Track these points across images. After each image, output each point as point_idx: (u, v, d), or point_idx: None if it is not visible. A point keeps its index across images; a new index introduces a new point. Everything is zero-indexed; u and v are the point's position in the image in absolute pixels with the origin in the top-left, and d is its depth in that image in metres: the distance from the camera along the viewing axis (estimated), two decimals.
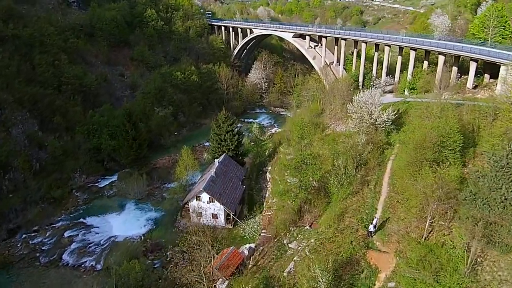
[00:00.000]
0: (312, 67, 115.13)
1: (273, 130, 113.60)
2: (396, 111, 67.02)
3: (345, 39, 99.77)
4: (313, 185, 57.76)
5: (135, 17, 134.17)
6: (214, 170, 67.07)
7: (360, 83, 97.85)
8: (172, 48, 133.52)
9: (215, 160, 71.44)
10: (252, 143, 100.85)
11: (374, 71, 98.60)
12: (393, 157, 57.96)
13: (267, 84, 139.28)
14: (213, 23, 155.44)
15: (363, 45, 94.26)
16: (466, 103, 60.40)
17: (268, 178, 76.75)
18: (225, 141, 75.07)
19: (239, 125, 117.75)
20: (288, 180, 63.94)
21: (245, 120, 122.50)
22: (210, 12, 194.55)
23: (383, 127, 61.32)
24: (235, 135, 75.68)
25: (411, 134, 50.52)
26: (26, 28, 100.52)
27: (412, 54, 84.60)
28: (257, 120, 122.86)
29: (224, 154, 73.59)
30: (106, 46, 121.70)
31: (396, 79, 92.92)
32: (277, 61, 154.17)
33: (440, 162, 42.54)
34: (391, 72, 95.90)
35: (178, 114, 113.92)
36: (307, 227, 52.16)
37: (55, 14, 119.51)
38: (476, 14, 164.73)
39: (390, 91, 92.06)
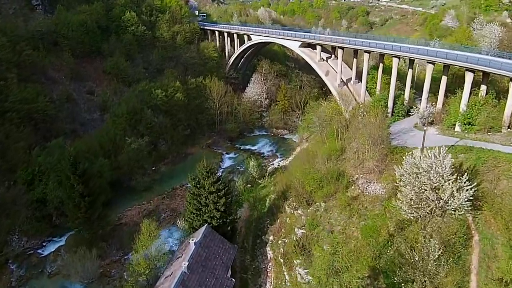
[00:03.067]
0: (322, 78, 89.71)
1: (275, 163, 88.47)
2: (458, 166, 42.41)
3: (369, 52, 74.16)
4: None
5: (112, 21, 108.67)
6: (188, 260, 42.05)
7: (389, 110, 72.38)
8: (155, 58, 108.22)
9: (190, 240, 46.06)
10: (249, 185, 75.60)
11: (406, 94, 73.03)
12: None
13: (268, 100, 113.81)
14: (205, 27, 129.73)
15: (395, 60, 68.76)
16: None
17: (269, 256, 51.95)
18: (206, 206, 50.02)
19: (231, 155, 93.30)
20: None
21: (241, 148, 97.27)
22: (205, 14, 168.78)
23: (459, 214, 35.84)
24: (222, 197, 50.40)
25: None
26: None
27: (469, 76, 59.01)
28: (255, 147, 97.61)
29: (206, 226, 48.61)
30: (73, 57, 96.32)
31: (438, 105, 67.39)
32: (280, 72, 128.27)
33: None
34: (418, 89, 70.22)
35: (159, 142, 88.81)
36: None
37: (14, 20, 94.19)
38: None
39: (430, 122, 66.62)
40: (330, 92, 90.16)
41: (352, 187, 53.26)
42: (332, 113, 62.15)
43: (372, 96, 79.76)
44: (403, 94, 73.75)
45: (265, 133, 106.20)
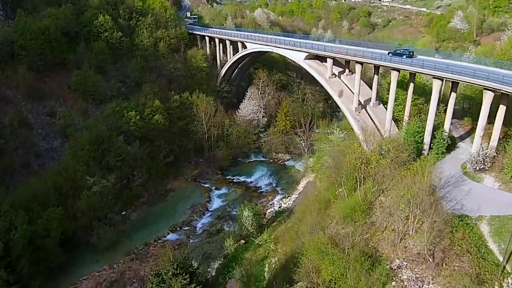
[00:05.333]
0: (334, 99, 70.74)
1: (275, 203, 70.11)
2: None
3: (398, 70, 55.29)
4: None
5: (83, 27, 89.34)
6: None
7: (426, 146, 53.86)
8: (133, 69, 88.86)
9: None
10: (243, 240, 57.13)
11: (447, 124, 54.50)
12: None
13: (266, 118, 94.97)
14: (194, 32, 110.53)
15: (437, 82, 50.00)
16: None
17: None
18: None
19: (222, 191, 74.59)
20: None
21: (234, 180, 78.44)
22: (196, 16, 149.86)
23: None
24: None
25: None
26: None
27: None
28: (251, 179, 78.85)
29: None
30: (31, 71, 77.34)
31: (493, 142, 49.00)
32: (280, 82, 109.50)
33: None
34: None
35: (132, 176, 70.33)
36: None
37: None
38: None
39: (482, 168, 48.28)
40: (338, 108, 71.22)
41: (393, 284, 34.77)
42: (354, 161, 43.45)
43: (399, 126, 61.29)
44: (443, 126, 55.11)
45: (263, 159, 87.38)
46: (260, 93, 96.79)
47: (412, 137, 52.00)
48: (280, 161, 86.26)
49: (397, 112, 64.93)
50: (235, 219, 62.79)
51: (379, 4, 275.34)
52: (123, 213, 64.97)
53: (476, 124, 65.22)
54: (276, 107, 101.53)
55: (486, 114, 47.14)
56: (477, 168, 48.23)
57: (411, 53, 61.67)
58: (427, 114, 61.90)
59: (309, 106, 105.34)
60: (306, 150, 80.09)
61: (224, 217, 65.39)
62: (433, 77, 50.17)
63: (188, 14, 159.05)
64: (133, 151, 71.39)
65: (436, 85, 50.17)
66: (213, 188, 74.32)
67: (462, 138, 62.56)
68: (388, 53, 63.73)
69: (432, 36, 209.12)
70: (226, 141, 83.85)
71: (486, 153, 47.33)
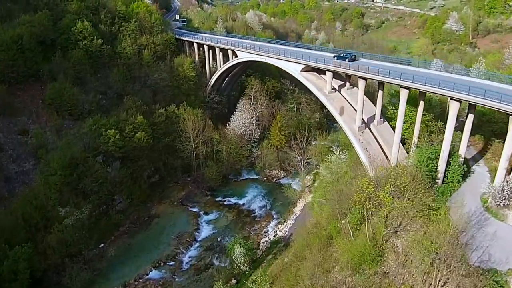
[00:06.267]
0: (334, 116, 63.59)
1: (270, 230, 63.40)
2: None
3: (408, 88, 48.45)
4: None
5: (60, 34, 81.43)
6: None
7: (440, 175, 47.26)
8: (114, 80, 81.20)
9: None
10: (234, 280, 50.19)
11: (463, 148, 48.03)
12: None
13: (259, 131, 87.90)
14: (182, 38, 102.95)
15: (455, 104, 43.31)
16: None
17: None
18: None
19: (212, 215, 67.51)
20: None
21: (225, 203, 71.36)
22: (185, 19, 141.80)
23: None
24: None
25: None
26: None
27: None
28: (243, 201, 71.92)
29: None
30: (2, 84, 69.63)
31: None
32: (273, 89, 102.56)
33: None
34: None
35: (112, 202, 63.12)
36: None
37: None
38: None
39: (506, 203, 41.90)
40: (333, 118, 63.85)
41: None
42: (363, 201, 36.61)
43: (407, 148, 54.70)
44: (458, 152, 48.58)
45: (256, 177, 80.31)
46: (253, 103, 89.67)
47: (425, 166, 45.41)
48: (274, 179, 79.36)
49: (403, 130, 58.33)
50: (225, 251, 55.77)
51: (372, 5, 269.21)
52: (100, 246, 57.73)
53: (490, 143, 59.80)
54: (270, 117, 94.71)
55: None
56: (500, 204, 41.80)
57: (353, 56, 63.12)
58: (437, 133, 56.25)
59: (304, 116, 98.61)
60: (302, 169, 73.22)
61: (213, 249, 58.31)
62: (452, 99, 43.32)
63: (177, 16, 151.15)
64: (113, 174, 64.21)
65: (454, 107, 43.51)
66: (202, 212, 67.14)
67: (475, 159, 56.19)
68: (334, 57, 63.75)
69: (427, 37, 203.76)
70: (216, 159, 76.67)
71: (511, 188, 40.85)
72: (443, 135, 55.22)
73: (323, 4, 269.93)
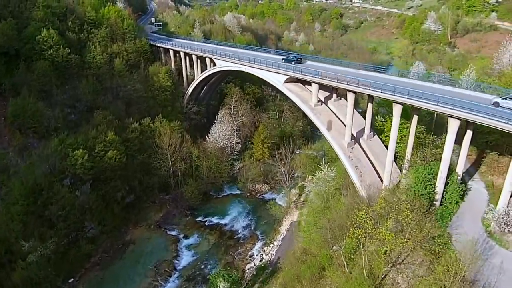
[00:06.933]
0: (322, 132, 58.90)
1: (255, 254, 58.61)
2: None
3: (401, 104, 44.35)
4: None
5: (25, 43, 74.51)
6: None
7: (438, 196, 43.41)
8: (83, 92, 74.82)
9: None
10: None
11: (461, 166, 44.37)
12: None
13: (241, 142, 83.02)
14: (157, 44, 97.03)
15: (454, 122, 39.44)
16: None
17: None
18: None
19: (192, 239, 62.18)
20: None
21: (206, 223, 66.19)
22: (161, 23, 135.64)
23: None
24: None
25: None
26: None
27: None
28: (225, 221, 66.93)
29: None
30: None
31: None
32: (254, 96, 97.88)
33: None
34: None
35: (82, 230, 57.23)
36: None
37: None
38: None
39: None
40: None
41: None
42: (358, 234, 32.25)
43: (398, 164, 50.89)
44: (455, 171, 44.85)
45: (239, 192, 75.38)
46: (233, 113, 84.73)
47: (422, 188, 41.50)
48: (258, 194, 74.64)
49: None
50: (208, 283, 50.67)
51: (350, 5, 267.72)
52: (70, 281, 51.82)
53: (484, 155, 56.53)
54: (251, 127, 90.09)
55: None
56: (505, 230, 38.23)
57: (299, 59, 65.60)
58: (430, 147, 52.65)
59: (287, 124, 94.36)
60: (287, 183, 68.81)
61: (195, 279, 53.16)
62: (454, 118, 39.42)
63: (153, 20, 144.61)
64: (82, 198, 58.30)
65: (453, 124, 39.63)
66: (181, 236, 61.74)
67: (470, 173, 52.71)
68: (282, 59, 65.86)
69: (406, 38, 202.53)
70: (196, 176, 71.38)
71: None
72: (436, 149, 52.09)
73: (302, 4, 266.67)
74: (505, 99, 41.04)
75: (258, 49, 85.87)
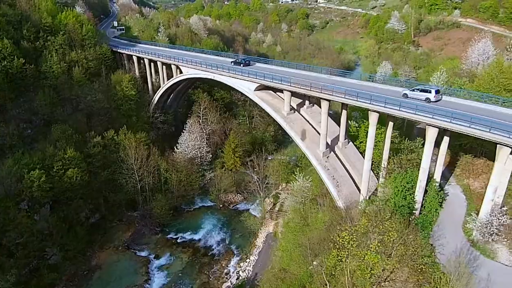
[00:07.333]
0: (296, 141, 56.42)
1: (231, 271, 55.42)
2: None
3: (378, 112, 42.48)
4: None
5: None
6: None
7: (418, 205, 41.96)
8: (40, 105, 69.42)
9: None
10: None
11: (438, 173, 43.17)
12: None
13: (211, 152, 79.65)
14: (119, 51, 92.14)
15: (432, 130, 38.06)
16: None
17: None
18: None
19: (163, 259, 58.33)
20: None
21: (178, 240, 62.46)
22: (123, 27, 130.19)
23: None
24: None
25: None
26: None
27: None
28: (199, 236, 63.45)
29: None
30: None
31: (498, 198, 38.07)
32: (222, 101, 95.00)
33: None
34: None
35: (44, 256, 52.43)
36: None
37: None
38: None
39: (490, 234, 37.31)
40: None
41: None
42: (342, 256, 30.05)
43: (374, 170, 49.34)
44: (434, 178, 43.58)
45: (211, 204, 72.03)
46: (202, 121, 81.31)
47: (402, 199, 39.87)
48: (231, 205, 71.60)
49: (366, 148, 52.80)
50: None
51: (316, 6, 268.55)
52: None
53: (457, 158, 55.96)
54: (221, 133, 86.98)
55: (501, 172, 35.64)
56: (489, 240, 37.14)
57: (247, 61, 68.08)
58: (405, 152, 51.43)
59: (258, 130, 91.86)
60: (261, 193, 66.27)
61: None
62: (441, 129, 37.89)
63: (115, 23, 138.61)
64: (41, 222, 53.44)
65: (431, 133, 38.19)
66: (152, 257, 57.69)
67: (445, 177, 51.80)
68: (231, 62, 68.70)
69: (371, 37, 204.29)
70: (165, 190, 67.61)
71: (501, 221, 36.18)
72: (412, 154, 50.90)
73: (268, 5, 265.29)
74: (413, 90, 45.66)
75: (227, 54, 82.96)
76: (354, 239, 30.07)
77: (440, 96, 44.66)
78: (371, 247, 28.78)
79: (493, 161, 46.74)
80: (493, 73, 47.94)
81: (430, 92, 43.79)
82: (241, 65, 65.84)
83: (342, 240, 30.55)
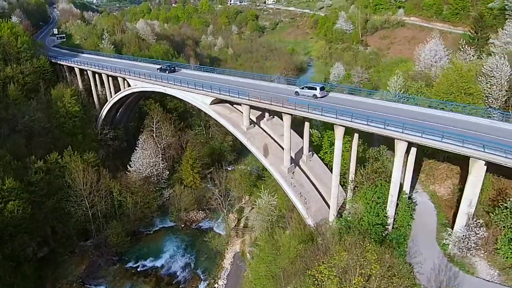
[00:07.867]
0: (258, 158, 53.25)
1: None
2: None
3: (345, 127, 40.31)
4: None
5: None
6: None
7: (390, 220, 40.33)
8: None
9: None
10: None
11: (408, 183, 41.88)
12: None
13: (168, 168, 74.70)
14: (59, 62, 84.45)
15: (402, 145, 36.40)
16: None
17: None
18: None
19: None
20: None
21: (138, 269, 57.32)
22: (64, 35, 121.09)
23: None
24: None
25: None
26: None
27: None
28: (161, 263, 58.68)
29: None
30: None
31: (469, 207, 37.14)
32: (176, 111, 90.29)
33: None
34: None
35: None
36: None
37: None
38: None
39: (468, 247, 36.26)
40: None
41: None
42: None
43: (342, 182, 47.37)
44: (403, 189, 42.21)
45: (172, 224, 67.25)
46: (156, 135, 76.12)
47: (376, 218, 37.96)
48: (193, 224, 67.19)
49: (330, 159, 50.80)
50: None
51: (265, 7, 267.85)
52: None
53: (420, 163, 55.36)
54: (177, 147, 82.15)
55: (476, 184, 34.54)
56: (465, 254, 36.06)
57: (172, 68, 69.77)
58: (371, 161, 49.92)
59: (216, 140, 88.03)
60: (224, 209, 62.69)
61: None
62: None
63: (55, 31, 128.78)
64: None
65: (401, 147, 36.55)
66: None
67: (411, 186, 51.00)
68: (157, 69, 69.96)
69: (320, 38, 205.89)
70: (120, 215, 62.08)
71: (479, 235, 35.12)
72: (378, 163, 49.45)
73: (217, 7, 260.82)
74: (302, 88, 49.86)
75: (179, 65, 78.52)
76: (334, 274, 27.39)
77: (326, 93, 49.46)
78: (354, 283, 26.20)
79: (456, 165, 46.62)
80: (453, 78, 47.50)
81: (316, 89, 48.34)
82: (167, 71, 67.66)
83: (322, 276, 27.79)
